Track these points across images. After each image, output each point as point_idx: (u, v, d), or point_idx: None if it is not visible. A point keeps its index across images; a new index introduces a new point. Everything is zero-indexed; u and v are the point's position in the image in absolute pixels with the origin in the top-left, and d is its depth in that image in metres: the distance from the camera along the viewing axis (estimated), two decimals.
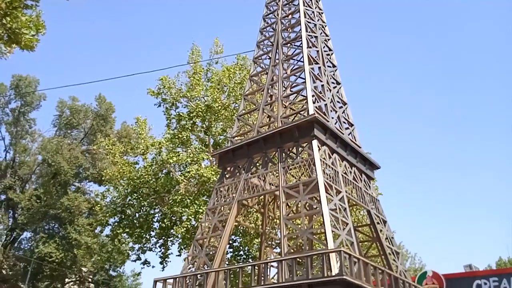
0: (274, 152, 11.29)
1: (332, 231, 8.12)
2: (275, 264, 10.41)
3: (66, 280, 38.07)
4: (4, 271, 34.40)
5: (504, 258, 37.38)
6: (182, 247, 23.25)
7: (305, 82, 12.75)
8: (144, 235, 23.36)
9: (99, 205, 25.12)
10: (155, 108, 25.22)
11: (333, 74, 14.83)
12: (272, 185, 12.28)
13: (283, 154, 10.79)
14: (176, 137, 22.66)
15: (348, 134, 12.76)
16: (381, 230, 10.73)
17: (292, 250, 8.88)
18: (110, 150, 24.34)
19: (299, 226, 8.92)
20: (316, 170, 9.51)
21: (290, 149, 11.06)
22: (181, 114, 23.29)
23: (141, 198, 22.71)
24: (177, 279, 9.69)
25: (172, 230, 23.12)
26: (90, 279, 39.59)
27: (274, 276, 9.33)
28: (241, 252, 23.96)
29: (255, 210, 14.96)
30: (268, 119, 14.43)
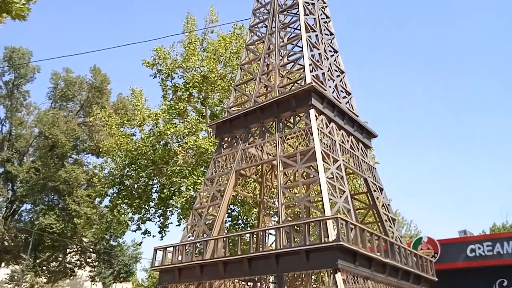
0: (271, 122, 11.29)
1: (329, 199, 8.21)
2: (273, 232, 10.59)
3: (68, 250, 38.71)
4: (6, 243, 34.89)
5: (498, 224, 38.10)
6: (181, 217, 23.53)
7: (302, 50, 12.59)
8: (143, 206, 23.59)
9: (97, 177, 25.22)
10: (150, 79, 24.98)
11: (331, 42, 14.64)
12: (270, 154, 12.32)
13: (281, 124, 10.78)
14: (173, 108, 22.53)
15: (346, 103, 12.72)
16: (377, 198, 10.87)
17: (289, 218, 9.00)
18: (107, 122, 24.23)
19: (297, 194, 9.01)
20: (313, 139, 9.53)
21: (287, 118, 11.04)
22: (177, 85, 23.08)
23: (139, 169, 22.79)
24: (177, 247, 9.85)
25: (171, 201, 23.31)
26: (91, 249, 40.26)
27: (272, 243, 9.49)
28: (240, 222, 24.30)
29: (253, 180, 15.08)
30: (265, 88, 14.33)
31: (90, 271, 41.20)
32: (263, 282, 11.27)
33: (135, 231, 24.09)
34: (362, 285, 7.70)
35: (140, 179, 23.50)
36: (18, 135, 36.79)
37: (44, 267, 36.54)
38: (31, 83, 38.06)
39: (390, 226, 10.52)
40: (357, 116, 11.93)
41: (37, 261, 34.57)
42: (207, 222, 10.42)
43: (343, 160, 10.15)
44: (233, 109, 13.50)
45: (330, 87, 12.54)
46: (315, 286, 11.45)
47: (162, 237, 23.59)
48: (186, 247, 9.82)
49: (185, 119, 22.52)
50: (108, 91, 36.97)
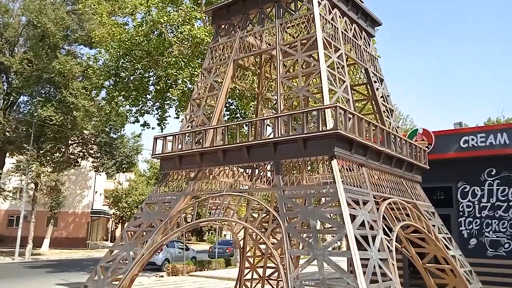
0: (271, 8, 10.64)
1: (329, 89, 8.05)
2: (271, 124, 10.64)
3: (70, 142, 39.66)
4: (7, 133, 35.56)
5: (492, 119, 38.76)
6: (179, 110, 23.67)
7: None
8: (140, 98, 23.57)
9: (91, 68, 24.78)
10: None
11: None
12: (269, 44, 11.88)
13: (281, 10, 10.16)
14: None
15: None
16: (377, 89, 10.72)
17: (288, 109, 8.95)
18: (97, 10, 22.99)
19: (296, 85, 8.85)
20: (315, 26, 9.06)
21: (288, 3, 10.38)
22: None
23: (134, 61, 22.28)
24: (177, 136, 9.94)
25: (168, 94, 23.24)
26: (92, 141, 41.25)
27: (270, 134, 9.55)
28: (238, 115, 24.54)
29: (251, 72, 14.75)
30: None
31: (93, 162, 42.75)
32: (261, 170, 11.63)
33: (133, 123, 24.42)
34: (356, 172, 7.92)
35: (136, 71, 23.10)
36: (5, 24, 35.23)
37: (48, 158, 37.77)
38: None
39: (387, 117, 10.56)
40: (362, 1, 11.24)
41: (41, 151, 35.58)
42: (205, 113, 10.40)
43: (344, 50, 9.80)
44: None
45: None
46: (310, 175, 11.86)
47: (161, 129, 24.01)
48: (186, 136, 9.92)
49: (179, 7, 21.36)
50: None
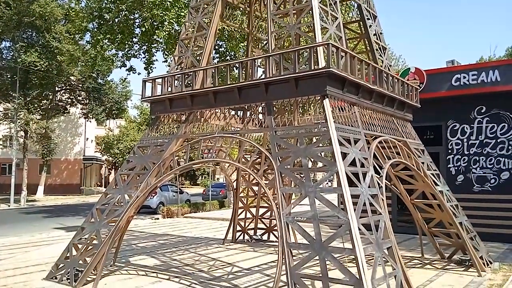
0: None
1: (321, 25, 7.82)
2: (262, 66, 10.44)
3: (56, 88, 38.90)
4: None
5: (485, 57, 38.49)
6: (167, 53, 23.07)
7: None
8: (126, 41, 22.82)
9: (74, 10, 23.72)
10: None
11: None
12: None
13: None
14: None
15: None
16: (370, 26, 10.45)
17: (279, 49, 8.73)
18: None
19: (287, 23, 8.57)
20: None
21: None
22: None
23: (118, 2, 21.31)
24: (166, 78, 9.75)
25: (154, 36, 22.52)
26: (79, 88, 40.51)
27: (262, 75, 9.40)
28: (228, 58, 24.02)
29: (240, 11, 14.25)
30: None
31: (82, 109, 42.25)
32: (252, 112, 11.57)
33: (120, 67, 23.85)
34: (348, 111, 7.90)
35: (121, 12, 22.14)
36: None
37: (36, 105, 37.19)
38: None
39: (380, 55, 10.40)
40: None
41: (28, 99, 34.95)
42: (194, 53, 10.13)
43: None
44: None
45: None
46: (301, 117, 11.84)
47: (148, 73, 23.49)
48: (175, 79, 9.73)
49: None
50: None
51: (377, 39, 10.55)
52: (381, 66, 9.89)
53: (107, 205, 9.37)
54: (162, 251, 12.65)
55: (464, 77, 13.48)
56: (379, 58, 10.24)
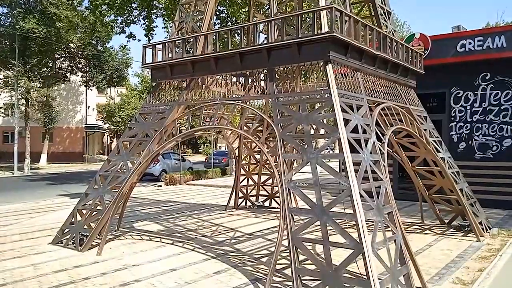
0: None
1: None
2: (264, 31, 10.24)
3: (56, 56, 38.45)
4: None
5: (491, 23, 37.70)
6: (166, 19, 22.67)
7: None
8: (125, 7, 22.38)
9: None
10: None
11: None
12: None
13: None
14: None
15: None
16: None
17: (281, 14, 8.53)
18: None
19: None
20: None
21: None
22: None
23: None
24: (166, 44, 9.59)
25: (154, 1, 22.10)
26: (79, 55, 40.04)
27: (264, 40, 9.24)
28: (229, 24, 23.59)
29: None
30: None
31: (83, 76, 41.91)
32: (254, 79, 11.46)
33: (119, 33, 23.49)
34: (351, 77, 7.80)
35: None
36: None
37: (36, 72, 36.87)
38: None
39: (385, 20, 10.18)
40: None
41: (28, 66, 34.62)
42: (195, 19, 9.93)
43: None
44: None
45: None
46: (304, 83, 11.73)
47: (149, 40, 23.16)
48: (176, 45, 9.57)
49: None
50: None
51: (382, 3, 10.30)
52: (386, 32, 9.70)
53: (110, 171, 9.44)
54: (165, 217, 12.84)
55: (470, 43, 13.23)
56: (383, 23, 10.02)
